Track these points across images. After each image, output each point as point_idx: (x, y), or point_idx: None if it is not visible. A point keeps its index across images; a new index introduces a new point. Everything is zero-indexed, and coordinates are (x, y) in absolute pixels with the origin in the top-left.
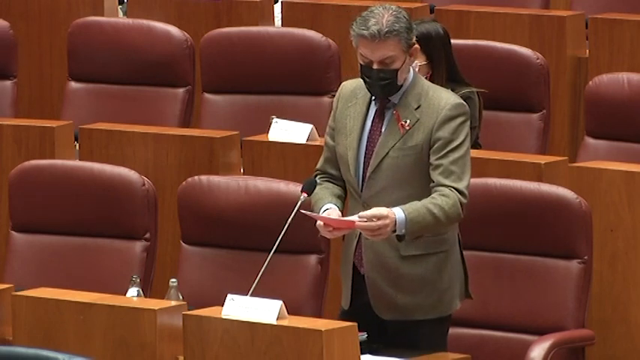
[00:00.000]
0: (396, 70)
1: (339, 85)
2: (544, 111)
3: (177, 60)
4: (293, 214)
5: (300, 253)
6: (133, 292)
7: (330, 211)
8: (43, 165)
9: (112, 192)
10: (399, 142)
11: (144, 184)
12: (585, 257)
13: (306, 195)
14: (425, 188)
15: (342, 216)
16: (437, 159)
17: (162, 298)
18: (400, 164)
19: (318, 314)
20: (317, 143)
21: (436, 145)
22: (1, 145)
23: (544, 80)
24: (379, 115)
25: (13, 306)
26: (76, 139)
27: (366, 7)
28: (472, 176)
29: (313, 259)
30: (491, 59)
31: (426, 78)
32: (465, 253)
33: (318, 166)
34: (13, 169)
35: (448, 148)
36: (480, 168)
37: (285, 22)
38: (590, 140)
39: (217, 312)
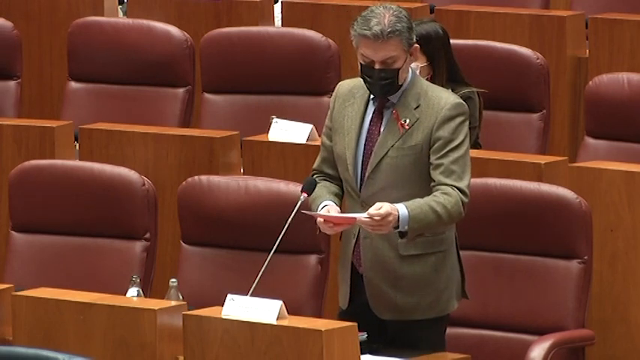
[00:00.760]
0: (397, 70)
1: None
2: (544, 111)
3: (177, 60)
4: (293, 214)
5: (300, 253)
6: (133, 292)
7: (329, 207)
8: (43, 165)
9: (112, 192)
10: (399, 142)
11: (144, 184)
12: (585, 257)
13: (306, 195)
14: (424, 188)
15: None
16: (437, 158)
17: (163, 298)
18: (399, 164)
19: (318, 314)
20: (317, 143)
21: (436, 145)
22: (1, 145)
23: (544, 80)
24: (378, 115)
25: (13, 306)
26: (76, 139)
27: (366, 7)
28: (472, 176)
29: (313, 259)
30: (491, 59)
31: (427, 79)
32: (464, 253)
33: (315, 165)
34: (13, 169)
35: (448, 148)
36: (480, 168)
37: (285, 22)
38: (590, 140)
39: (217, 312)
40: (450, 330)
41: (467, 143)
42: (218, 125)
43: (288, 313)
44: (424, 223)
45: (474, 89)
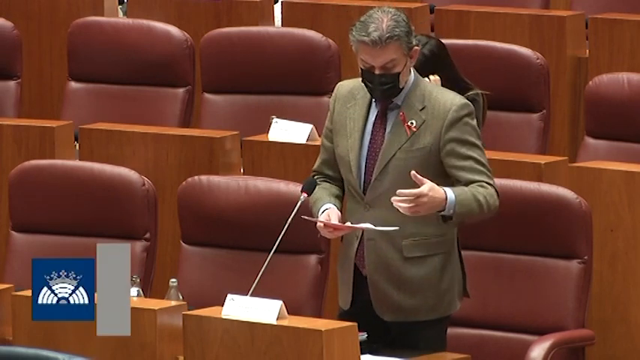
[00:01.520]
0: (398, 74)
1: None
2: (544, 111)
3: (177, 60)
4: (293, 214)
5: (300, 253)
6: (133, 292)
7: (330, 210)
8: (43, 165)
9: (112, 192)
10: (406, 144)
11: (144, 184)
12: (585, 257)
13: (306, 195)
14: None
15: (341, 215)
16: (459, 160)
17: (163, 298)
18: (407, 166)
19: (318, 314)
20: (317, 143)
21: (451, 148)
22: (1, 145)
23: (544, 80)
24: (381, 117)
25: (13, 306)
26: (76, 139)
27: (367, 7)
28: None
29: (313, 259)
30: (491, 59)
31: None
32: (464, 253)
33: (315, 167)
34: (13, 169)
35: (466, 148)
36: None
37: (285, 22)
38: (590, 140)
39: (217, 312)
40: (450, 330)
41: (480, 139)
42: (218, 125)
43: (288, 313)
44: (467, 210)
45: (479, 91)
